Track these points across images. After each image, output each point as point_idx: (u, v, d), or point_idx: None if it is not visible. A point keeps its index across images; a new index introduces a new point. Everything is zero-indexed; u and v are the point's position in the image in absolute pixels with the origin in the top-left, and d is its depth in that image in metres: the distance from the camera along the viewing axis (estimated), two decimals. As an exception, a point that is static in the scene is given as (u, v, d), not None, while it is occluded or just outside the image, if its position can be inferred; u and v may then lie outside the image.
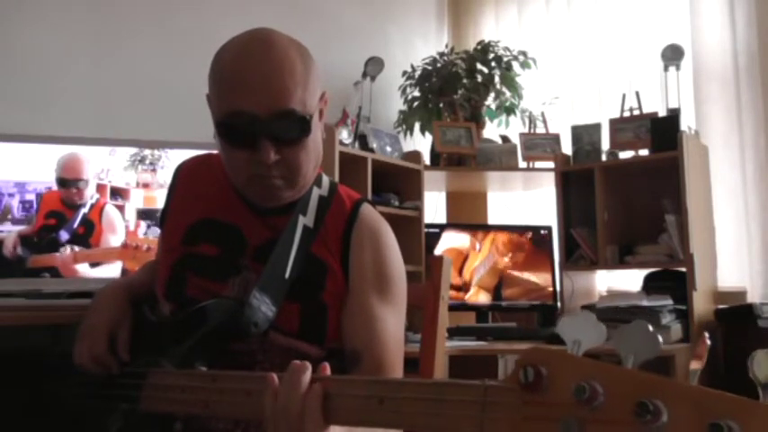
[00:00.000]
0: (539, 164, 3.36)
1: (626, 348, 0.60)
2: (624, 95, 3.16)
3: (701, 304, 2.75)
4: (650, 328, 0.60)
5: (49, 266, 2.10)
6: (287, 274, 1.19)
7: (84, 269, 2.13)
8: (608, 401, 0.58)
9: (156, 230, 2.18)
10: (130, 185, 2.20)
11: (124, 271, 2.16)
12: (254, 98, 1.12)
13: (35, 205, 2.11)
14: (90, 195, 2.15)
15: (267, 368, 1.11)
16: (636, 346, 0.60)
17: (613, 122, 3.14)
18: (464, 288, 3.18)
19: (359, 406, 0.81)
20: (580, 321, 0.65)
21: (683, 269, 2.77)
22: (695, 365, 0.60)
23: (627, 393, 0.57)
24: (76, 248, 2.12)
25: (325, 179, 1.34)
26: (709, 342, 0.62)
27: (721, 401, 0.52)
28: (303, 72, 1.16)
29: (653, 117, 3.01)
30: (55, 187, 2.13)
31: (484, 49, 3.62)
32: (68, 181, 2.12)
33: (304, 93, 1.15)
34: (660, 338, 0.60)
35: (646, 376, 0.57)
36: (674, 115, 2.96)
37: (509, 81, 3.54)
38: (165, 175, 2.16)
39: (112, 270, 2.16)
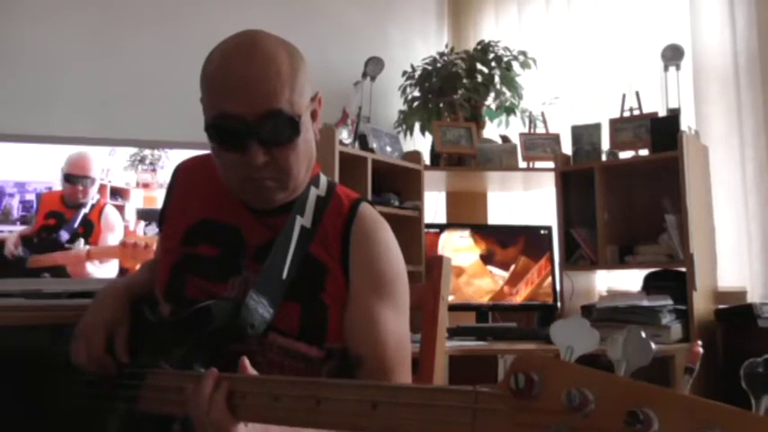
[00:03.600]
0: (539, 164, 3.35)
1: (619, 356, 0.60)
2: (624, 95, 3.15)
3: (701, 304, 2.75)
4: (643, 335, 0.60)
5: (57, 265, 2.10)
6: (284, 275, 1.19)
7: (94, 267, 2.14)
8: (599, 409, 0.58)
9: (154, 228, 2.19)
10: (130, 185, 2.20)
11: (122, 270, 2.16)
12: (241, 100, 1.12)
13: (35, 205, 2.11)
14: (92, 195, 2.15)
15: (266, 369, 1.12)
16: (629, 354, 0.60)
17: (613, 122, 3.13)
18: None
19: (352, 410, 0.81)
20: (573, 327, 0.65)
21: (683, 269, 2.76)
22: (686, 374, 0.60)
23: (618, 402, 0.57)
24: (90, 246, 2.13)
25: (323, 179, 1.34)
26: (701, 350, 0.61)
27: (713, 411, 0.52)
28: (290, 72, 1.15)
29: (653, 117, 3.01)
30: (57, 186, 2.13)
31: (484, 49, 3.62)
32: (76, 177, 2.13)
33: (292, 93, 1.15)
34: (653, 345, 0.59)
35: (637, 385, 0.57)
36: (674, 115, 2.96)
37: (509, 81, 3.54)
38: (165, 175, 2.16)
39: (111, 269, 2.17)
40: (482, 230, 3.35)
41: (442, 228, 3.35)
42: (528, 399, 0.62)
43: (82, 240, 2.12)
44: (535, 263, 3.27)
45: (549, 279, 3.27)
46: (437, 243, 3.24)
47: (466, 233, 3.28)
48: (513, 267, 3.26)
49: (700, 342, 0.63)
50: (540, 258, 3.28)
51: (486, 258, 3.25)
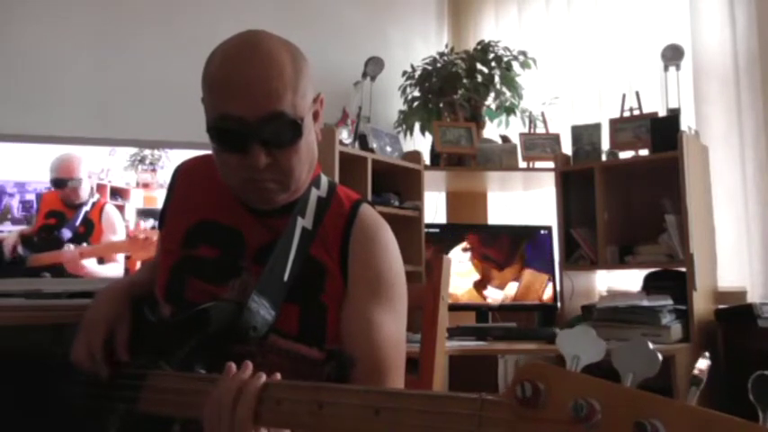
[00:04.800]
0: (539, 164, 3.35)
1: (625, 366, 0.60)
2: (624, 95, 3.15)
3: (701, 304, 2.75)
4: (650, 346, 0.60)
5: (55, 264, 2.10)
6: (285, 277, 1.19)
7: (90, 265, 2.13)
8: (606, 420, 0.58)
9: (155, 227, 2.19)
10: (130, 185, 2.20)
11: (126, 270, 2.16)
12: (244, 102, 1.11)
13: (35, 205, 2.11)
14: (88, 194, 2.15)
15: (266, 371, 1.11)
16: (636, 364, 0.59)
17: (613, 122, 3.13)
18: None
19: (354, 415, 0.81)
20: (579, 336, 0.64)
21: (683, 269, 2.76)
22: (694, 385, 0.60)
23: (625, 412, 0.57)
24: (84, 245, 2.12)
25: (324, 180, 1.33)
26: (709, 362, 0.61)
27: (721, 423, 0.52)
28: (293, 74, 1.15)
29: (653, 117, 3.01)
30: (52, 189, 2.13)
31: (484, 49, 3.61)
32: (62, 180, 2.12)
33: (294, 95, 1.14)
34: (660, 357, 0.59)
35: (645, 395, 0.56)
36: (674, 115, 2.96)
37: (509, 81, 3.53)
38: (165, 175, 2.16)
39: (115, 268, 2.17)
40: (481, 231, 3.35)
41: (442, 228, 3.35)
42: (534, 408, 0.62)
43: (71, 245, 2.12)
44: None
45: (550, 280, 3.27)
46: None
47: (465, 257, 3.25)
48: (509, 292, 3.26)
49: (707, 354, 0.63)
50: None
51: (481, 284, 3.25)
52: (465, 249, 3.25)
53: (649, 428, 0.54)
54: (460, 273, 3.20)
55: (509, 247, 3.29)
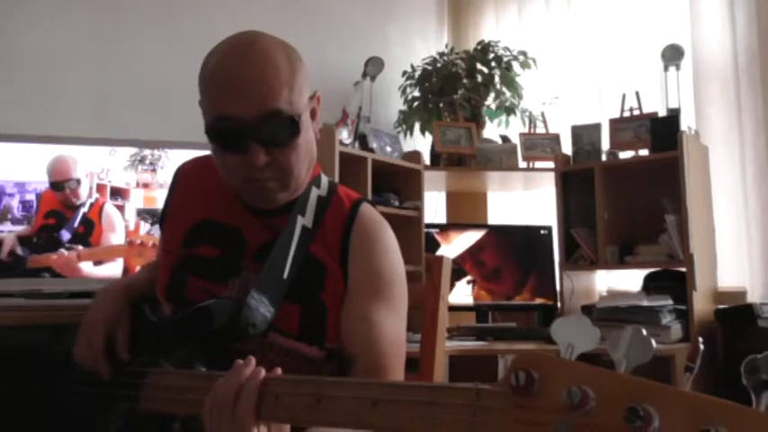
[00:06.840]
0: (539, 164, 3.36)
1: (619, 353, 0.60)
2: (624, 95, 3.16)
3: (701, 304, 2.75)
4: (644, 332, 0.60)
5: (53, 267, 2.10)
6: (285, 275, 1.19)
7: (87, 267, 2.13)
8: (599, 406, 0.58)
9: (158, 229, 2.19)
10: (130, 185, 2.20)
11: (125, 270, 2.16)
12: (241, 101, 1.12)
13: (35, 205, 2.11)
14: (86, 194, 2.15)
15: (266, 369, 1.11)
16: (629, 351, 0.60)
17: (613, 122, 3.13)
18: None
19: (352, 407, 0.81)
20: (574, 325, 0.65)
21: (683, 269, 2.76)
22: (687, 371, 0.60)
23: (618, 398, 0.57)
24: (79, 247, 2.12)
25: (324, 179, 1.34)
26: (702, 347, 0.61)
27: (713, 406, 0.52)
28: (289, 72, 1.16)
29: (653, 117, 3.01)
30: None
31: (484, 49, 3.62)
32: (60, 183, 2.12)
33: (291, 93, 1.15)
34: (654, 343, 0.59)
35: (638, 381, 0.57)
36: (674, 115, 2.96)
37: (509, 81, 3.54)
38: (165, 175, 2.16)
39: (114, 268, 2.16)
40: (488, 229, 3.35)
41: (442, 228, 3.35)
42: (529, 396, 0.62)
43: (66, 251, 2.12)
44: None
45: (549, 279, 3.27)
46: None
47: (469, 289, 3.25)
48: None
49: (701, 339, 0.63)
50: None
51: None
52: (469, 282, 3.25)
53: (642, 413, 0.54)
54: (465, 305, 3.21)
55: (517, 279, 3.28)
